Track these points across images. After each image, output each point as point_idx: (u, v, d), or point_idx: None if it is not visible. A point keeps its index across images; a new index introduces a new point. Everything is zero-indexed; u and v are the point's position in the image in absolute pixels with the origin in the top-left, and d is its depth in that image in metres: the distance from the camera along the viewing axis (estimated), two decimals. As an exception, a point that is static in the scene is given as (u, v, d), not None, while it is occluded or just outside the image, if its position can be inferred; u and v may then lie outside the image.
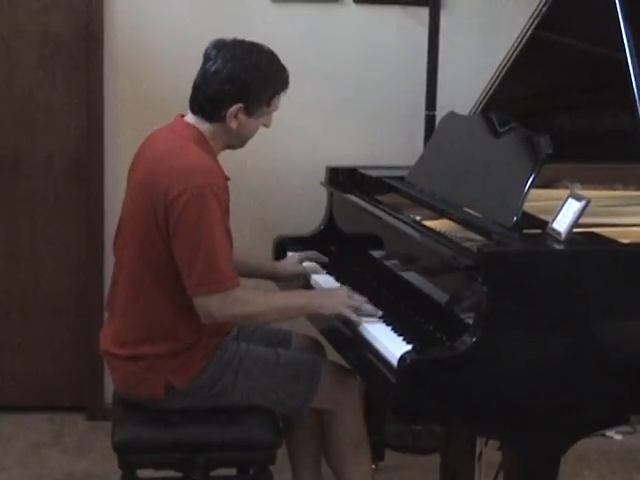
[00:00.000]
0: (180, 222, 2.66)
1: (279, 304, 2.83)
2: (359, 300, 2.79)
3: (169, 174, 2.69)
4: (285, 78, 2.83)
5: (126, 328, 2.82)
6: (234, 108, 2.74)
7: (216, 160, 2.80)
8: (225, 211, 2.71)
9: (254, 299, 2.76)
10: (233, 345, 2.87)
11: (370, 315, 2.76)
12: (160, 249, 2.71)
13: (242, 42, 2.79)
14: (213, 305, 2.67)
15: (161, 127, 2.88)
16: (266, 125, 2.86)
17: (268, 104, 2.80)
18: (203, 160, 2.72)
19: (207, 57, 2.77)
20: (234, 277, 2.69)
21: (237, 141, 2.85)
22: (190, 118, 2.82)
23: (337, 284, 3.08)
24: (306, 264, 3.23)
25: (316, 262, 3.26)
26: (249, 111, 2.77)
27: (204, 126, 2.79)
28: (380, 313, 2.77)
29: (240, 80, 2.73)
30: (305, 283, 3.18)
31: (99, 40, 3.89)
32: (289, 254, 3.39)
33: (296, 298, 2.87)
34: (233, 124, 2.77)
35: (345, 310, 2.76)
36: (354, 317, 2.75)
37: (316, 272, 3.21)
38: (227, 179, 2.79)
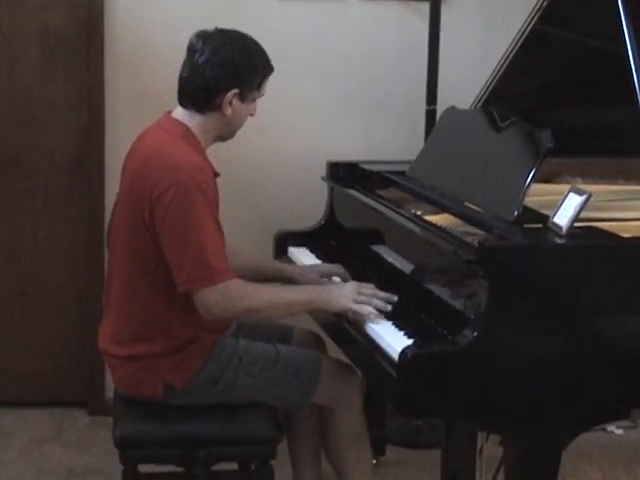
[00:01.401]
0: (166, 219, 2.64)
1: (282, 299, 2.77)
2: (369, 292, 2.72)
3: (156, 171, 2.67)
4: (270, 62, 2.84)
5: (122, 326, 2.81)
6: (230, 94, 2.74)
7: (204, 156, 2.78)
8: (214, 206, 2.69)
9: (254, 293, 2.71)
10: (232, 342, 2.85)
11: (385, 302, 2.68)
12: (147, 244, 2.70)
13: (225, 30, 2.79)
14: (210, 300, 2.64)
15: (151, 124, 2.87)
16: (252, 114, 2.86)
17: (258, 88, 2.81)
18: (190, 157, 2.70)
19: (192, 49, 2.77)
20: (225, 271, 2.64)
21: (228, 130, 2.84)
22: (178, 113, 2.80)
23: (338, 280, 3.06)
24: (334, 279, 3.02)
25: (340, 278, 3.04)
26: (243, 96, 2.77)
27: (194, 119, 2.78)
28: (396, 298, 2.70)
29: (233, 65, 2.73)
30: None
31: (99, 35, 3.89)
32: (309, 263, 3.20)
33: (301, 293, 2.81)
34: (228, 111, 2.76)
35: (354, 305, 2.70)
36: (365, 310, 2.67)
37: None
38: (216, 175, 2.77)
